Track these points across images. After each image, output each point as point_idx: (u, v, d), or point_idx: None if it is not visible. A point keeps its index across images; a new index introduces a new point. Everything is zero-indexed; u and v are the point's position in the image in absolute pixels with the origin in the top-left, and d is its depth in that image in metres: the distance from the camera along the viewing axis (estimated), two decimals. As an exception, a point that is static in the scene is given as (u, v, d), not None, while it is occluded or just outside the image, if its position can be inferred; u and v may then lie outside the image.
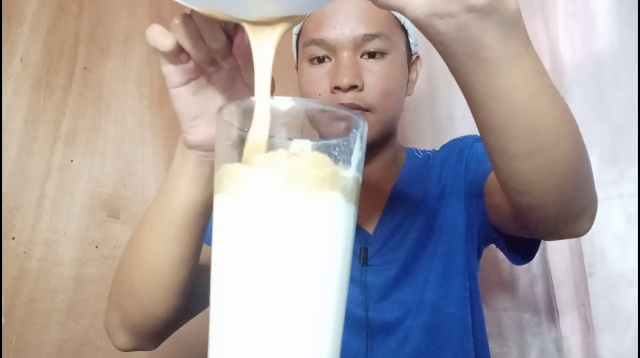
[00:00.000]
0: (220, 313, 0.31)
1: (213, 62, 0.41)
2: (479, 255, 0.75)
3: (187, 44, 0.39)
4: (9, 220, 0.90)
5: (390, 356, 0.69)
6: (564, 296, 0.88)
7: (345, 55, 0.67)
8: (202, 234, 0.50)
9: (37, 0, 0.98)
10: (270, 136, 0.32)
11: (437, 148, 0.82)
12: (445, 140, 0.82)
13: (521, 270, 0.99)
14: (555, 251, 0.88)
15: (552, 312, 0.94)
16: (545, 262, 0.93)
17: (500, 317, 1.02)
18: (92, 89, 1.03)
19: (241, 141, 0.33)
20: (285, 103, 0.32)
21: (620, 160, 0.80)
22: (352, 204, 0.32)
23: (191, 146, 0.45)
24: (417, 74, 0.78)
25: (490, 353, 0.76)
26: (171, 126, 1.10)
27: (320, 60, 0.69)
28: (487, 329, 0.79)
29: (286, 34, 0.38)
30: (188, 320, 0.61)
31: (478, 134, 0.44)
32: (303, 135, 0.32)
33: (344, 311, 0.32)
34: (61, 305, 0.93)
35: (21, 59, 0.95)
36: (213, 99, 0.44)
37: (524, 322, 0.99)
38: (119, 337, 0.56)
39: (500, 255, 0.95)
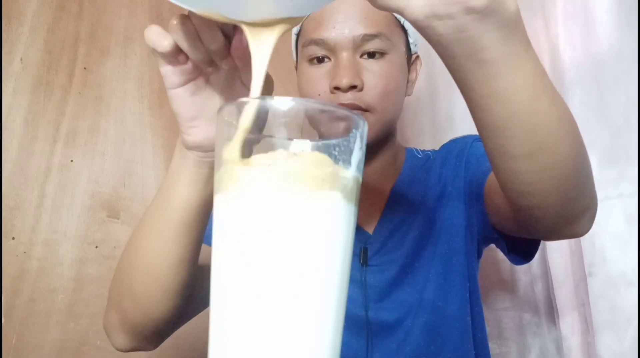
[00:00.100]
0: (220, 313, 0.31)
1: (211, 63, 0.41)
2: (479, 255, 0.76)
3: (185, 45, 0.39)
4: (9, 220, 0.90)
5: (390, 356, 0.69)
6: (564, 296, 0.88)
7: (344, 55, 0.67)
8: (201, 234, 0.50)
9: (37, 0, 0.98)
10: (270, 136, 0.32)
11: (437, 148, 0.82)
12: (445, 140, 0.82)
13: (521, 270, 0.99)
14: (555, 251, 0.88)
15: (552, 312, 0.94)
16: (545, 262, 0.93)
17: (500, 317, 1.02)
18: (92, 89, 1.03)
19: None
20: (285, 103, 0.32)
21: (619, 160, 0.80)
22: (352, 204, 0.32)
23: (190, 147, 0.45)
24: (416, 74, 0.78)
25: (490, 353, 0.76)
26: (171, 126, 1.10)
27: (320, 60, 0.69)
28: (487, 329, 0.79)
29: (285, 34, 0.38)
30: (187, 321, 0.61)
31: (478, 134, 0.44)
32: (303, 135, 0.32)
33: (344, 312, 0.32)
34: (61, 305, 0.93)
35: (21, 59, 0.95)
36: (211, 99, 0.44)
37: (524, 322, 0.99)
38: (118, 338, 0.56)
39: (500, 255, 0.95)
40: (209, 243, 0.34)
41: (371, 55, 0.68)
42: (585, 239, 0.80)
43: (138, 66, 1.09)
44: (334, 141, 0.32)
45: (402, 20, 0.71)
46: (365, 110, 0.67)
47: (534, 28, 0.91)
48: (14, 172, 0.92)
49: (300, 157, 0.30)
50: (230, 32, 0.40)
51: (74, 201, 0.97)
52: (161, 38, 0.39)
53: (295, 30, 0.75)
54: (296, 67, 0.77)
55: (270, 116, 0.32)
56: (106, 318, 0.57)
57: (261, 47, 0.37)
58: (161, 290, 0.50)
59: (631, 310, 0.77)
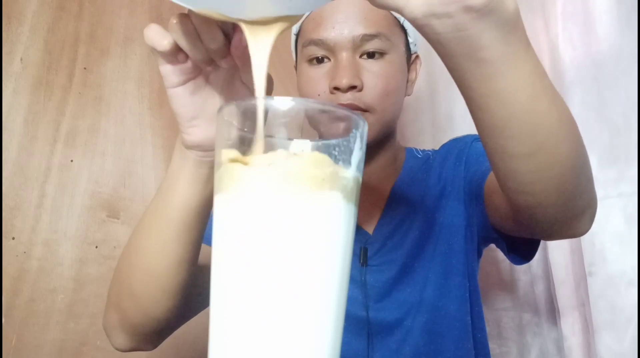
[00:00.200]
0: (220, 313, 0.31)
1: (211, 62, 0.41)
2: (479, 254, 0.75)
3: (184, 44, 0.39)
4: (9, 220, 0.90)
5: (390, 356, 0.69)
6: (564, 296, 0.88)
7: (344, 55, 0.67)
8: (201, 234, 0.50)
9: (37, 0, 0.98)
10: (270, 136, 0.32)
11: (437, 148, 0.82)
12: (445, 140, 0.82)
13: (521, 270, 0.99)
14: (556, 249, 0.88)
15: (552, 312, 0.94)
16: (545, 262, 0.93)
17: (500, 316, 1.02)
18: (92, 89, 1.03)
19: (241, 141, 0.33)
20: (285, 103, 0.32)
21: (619, 160, 0.80)
22: (352, 204, 0.32)
23: (189, 146, 0.45)
24: (416, 74, 0.78)
25: (490, 353, 0.76)
26: (171, 126, 1.10)
27: (319, 60, 0.69)
28: (487, 329, 0.79)
29: (285, 33, 0.38)
30: (187, 321, 0.61)
31: (477, 133, 0.44)
32: (303, 135, 0.32)
33: (344, 312, 0.32)
34: (61, 305, 0.93)
35: (21, 59, 0.95)
36: (211, 99, 0.44)
37: (524, 322, 0.99)
38: (117, 338, 0.56)
39: (500, 255, 0.95)
40: (209, 243, 0.34)
41: (371, 55, 0.68)
42: (585, 239, 0.80)
43: (138, 66, 1.09)
44: (334, 141, 0.32)
45: (401, 20, 0.71)
46: (365, 110, 0.67)
47: (534, 28, 0.91)
48: (14, 172, 0.92)
49: (300, 157, 0.30)
50: (229, 32, 0.40)
51: (74, 201, 0.97)
52: (161, 37, 0.39)
53: (294, 30, 0.75)
54: (296, 68, 0.77)
55: (270, 116, 0.32)
56: (106, 318, 0.57)
57: (260, 45, 0.37)
58: (161, 289, 0.50)
59: (631, 310, 0.77)
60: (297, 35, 0.75)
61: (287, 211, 0.30)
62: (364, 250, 0.71)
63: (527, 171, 0.44)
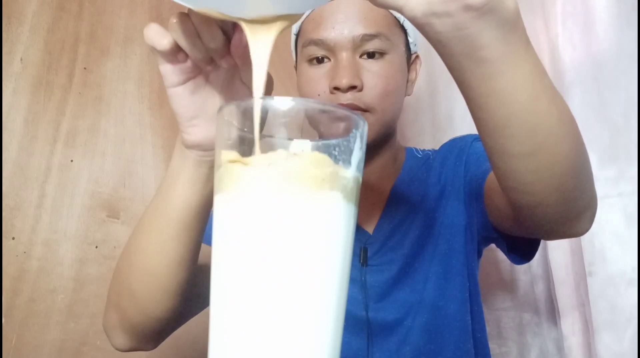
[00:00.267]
0: (220, 313, 0.31)
1: (211, 61, 0.41)
2: (479, 254, 0.75)
3: (184, 43, 0.39)
4: (9, 220, 0.90)
5: (390, 356, 0.69)
6: (564, 295, 0.88)
7: (344, 55, 0.67)
8: (201, 234, 0.50)
9: (37, 0, 0.98)
10: (270, 136, 0.32)
11: (437, 148, 0.82)
12: (445, 140, 0.82)
13: (521, 270, 0.99)
14: (556, 249, 0.88)
15: (552, 312, 0.94)
16: (545, 262, 0.93)
17: (500, 316, 1.02)
18: (92, 89, 1.03)
19: (241, 141, 0.33)
20: (285, 103, 0.32)
21: (619, 159, 0.80)
22: (352, 204, 0.32)
23: (189, 146, 0.45)
24: (416, 73, 0.78)
25: (490, 353, 0.76)
26: (171, 126, 1.10)
27: (319, 60, 0.69)
28: (487, 329, 0.79)
29: (284, 33, 0.38)
30: (187, 321, 0.61)
31: (478, 133, 0.44)
32: (303, 135, 0.32)
33: (344, 312, 0.32)
34: (61, 305, 0.93)
35: (21, 59, 0.95)
36: (211, 98, 0.44)
37: (524, 322, 0.99)
38: (117, 337, 0.56)
39: (500, 255, 0.95)
40: (209, 243, 0.34)
41: (371, 55, 0.68)
42: (585, 238, 0.80)
43: (138, 66, 1.09)
44: (334, 141, 0.32)
45: (401, 20, 0.71)
46: (365, 110, 0.67)
47: (534, 28, 0.91)
48: (14, 172, 0.92)
49: (300, 157, 0.30)
50: (229, 31, 0.40)
51: (74, 201, 0.97)
52: (160, 37, 0.39)
53: (294, 30, 0.75)
54: (296, 68, 0.77)
55: (270, 116, 0.32)
56: (105, 318, 0.57)
57: (260, 44, 0.37)
58: (161, 289, 0.50)
59: (631, 309, 0.77)
60: (297, 35, 0.75)
61: (287, 211, 0.30)
62: (364, 250, 0.71)
63: (527, 171, 0.44)
